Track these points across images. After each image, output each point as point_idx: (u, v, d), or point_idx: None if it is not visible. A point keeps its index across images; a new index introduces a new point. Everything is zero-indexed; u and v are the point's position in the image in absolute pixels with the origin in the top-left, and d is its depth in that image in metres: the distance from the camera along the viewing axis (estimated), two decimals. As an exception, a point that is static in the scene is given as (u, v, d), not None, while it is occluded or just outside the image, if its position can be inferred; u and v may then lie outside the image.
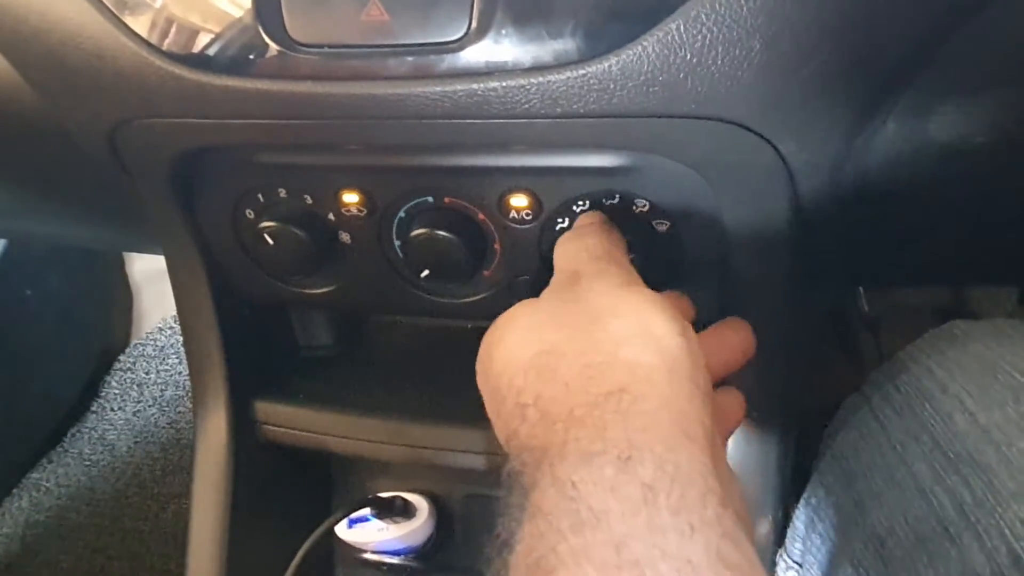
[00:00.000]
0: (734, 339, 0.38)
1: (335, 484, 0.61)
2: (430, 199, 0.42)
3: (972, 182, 0.40)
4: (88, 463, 1.17)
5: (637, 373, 0.27)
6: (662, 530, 0.21)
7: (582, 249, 0.36)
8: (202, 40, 0.35)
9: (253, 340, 0.54)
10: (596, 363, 0.27)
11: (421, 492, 0.57)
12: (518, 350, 0.30)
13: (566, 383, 0.27)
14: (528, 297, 0.33)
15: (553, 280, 0.36)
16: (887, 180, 0.38)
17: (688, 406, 0.27)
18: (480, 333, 0.33)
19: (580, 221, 0.40)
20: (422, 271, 0.44)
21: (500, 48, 0.32)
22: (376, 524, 0.54)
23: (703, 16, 0.30)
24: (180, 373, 1.25)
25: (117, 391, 1.26)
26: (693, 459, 0.24)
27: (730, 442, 0.45)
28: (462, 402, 0.48)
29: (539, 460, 0.25)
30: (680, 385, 0.27)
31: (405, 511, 0.55)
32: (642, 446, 0.24)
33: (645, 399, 0.26)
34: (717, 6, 0.30)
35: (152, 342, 1.30)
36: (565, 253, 0.37)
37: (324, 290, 0.49)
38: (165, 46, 0.36)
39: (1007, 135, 0.37)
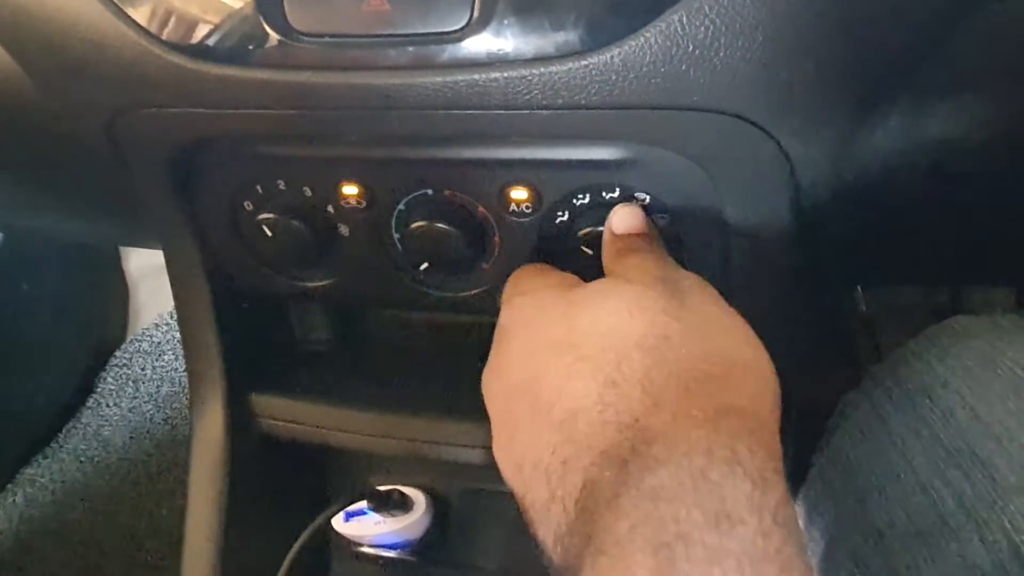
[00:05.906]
0: None
1: (332, 477, 0.61)
2: (430, 191, 0.42)
3: (972, 179, 0.40)
4: (83, 459, 1.17)
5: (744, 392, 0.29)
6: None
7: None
8: (202, 29, 0.35)
9: (251, 333, 0.54)
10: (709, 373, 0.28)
11: (419, 486, 0.57)
12: (623, 323, 0.30)
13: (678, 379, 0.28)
14: None
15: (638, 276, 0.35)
16: (888, 175, 0.38)
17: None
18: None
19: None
20: (421, 264, 0.44)
21: (502, 38, 0.32)
22: (373, 517, 0.54)
23: (706, 7, 0.30)
24: (176, 369, 1.25)
25: (113, 387, 1.25)
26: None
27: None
28: (461, 396, 0.48)
29: (650, 440, 0.26)
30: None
31: (402, 505, 0.55)
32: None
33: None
34: None
35: (148, 338, 1.30)
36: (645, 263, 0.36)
37: (322, 283, 0.48)
38: (165, 35, 0.35)
39: (1007, 132, 0.37)
